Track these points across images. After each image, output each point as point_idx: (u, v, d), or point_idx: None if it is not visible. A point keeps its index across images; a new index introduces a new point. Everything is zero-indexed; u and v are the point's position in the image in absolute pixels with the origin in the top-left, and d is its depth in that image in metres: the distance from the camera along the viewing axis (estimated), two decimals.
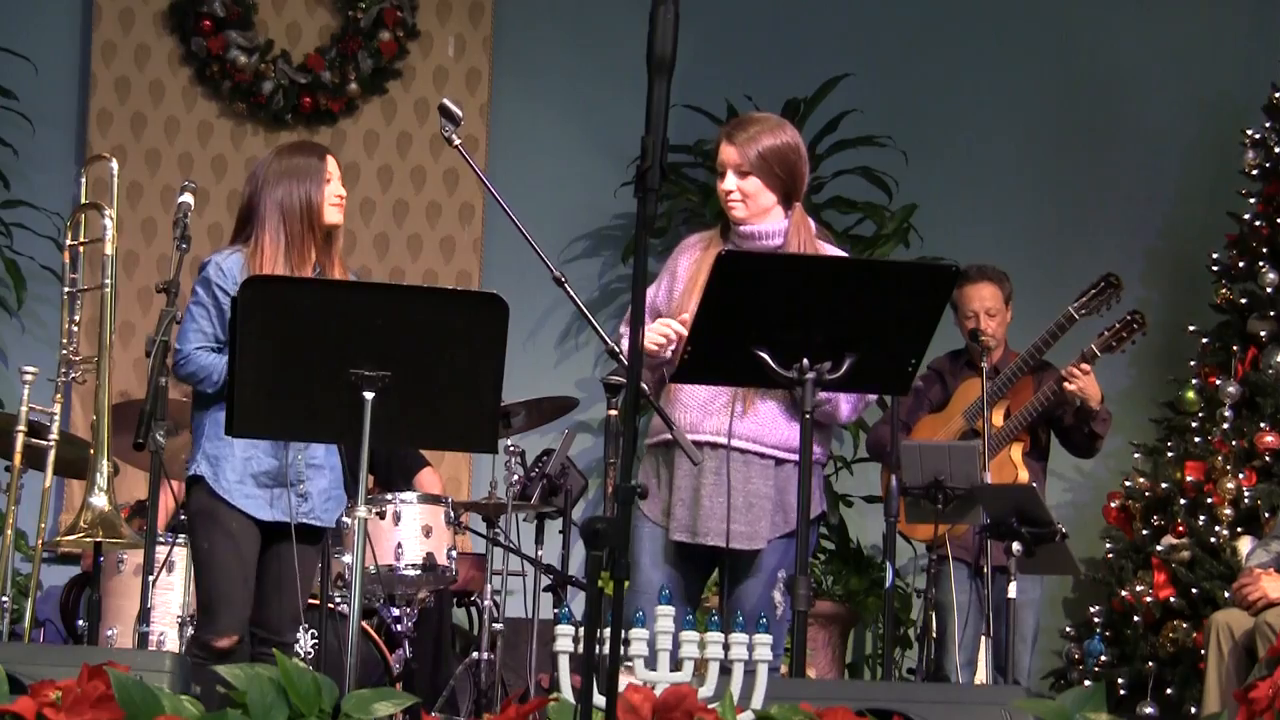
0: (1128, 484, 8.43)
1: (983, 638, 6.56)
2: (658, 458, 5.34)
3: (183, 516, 5.84)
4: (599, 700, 3.37)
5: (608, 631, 3.30)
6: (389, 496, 6.87)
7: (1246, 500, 7.92)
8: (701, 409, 5.25)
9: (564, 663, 4.13)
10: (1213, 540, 7.94)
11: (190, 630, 6.13)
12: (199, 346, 5.36)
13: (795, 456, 5.18)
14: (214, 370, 5.34)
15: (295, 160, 5.49)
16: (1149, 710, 7.94)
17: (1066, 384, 6.91)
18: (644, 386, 5.03)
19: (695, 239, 5.51)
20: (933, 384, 7.33)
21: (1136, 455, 8.54)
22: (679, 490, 5.25)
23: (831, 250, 5.42)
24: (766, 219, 5.32)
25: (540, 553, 7.27)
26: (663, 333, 5.19)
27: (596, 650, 3.39)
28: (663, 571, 5.25)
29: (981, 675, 6.58)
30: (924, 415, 7.26)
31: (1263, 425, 8.04)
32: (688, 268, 5.40)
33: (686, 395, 5.26)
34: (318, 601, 6.02)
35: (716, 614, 4.26)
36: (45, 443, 5.88)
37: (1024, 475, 6.98)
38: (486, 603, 7.17)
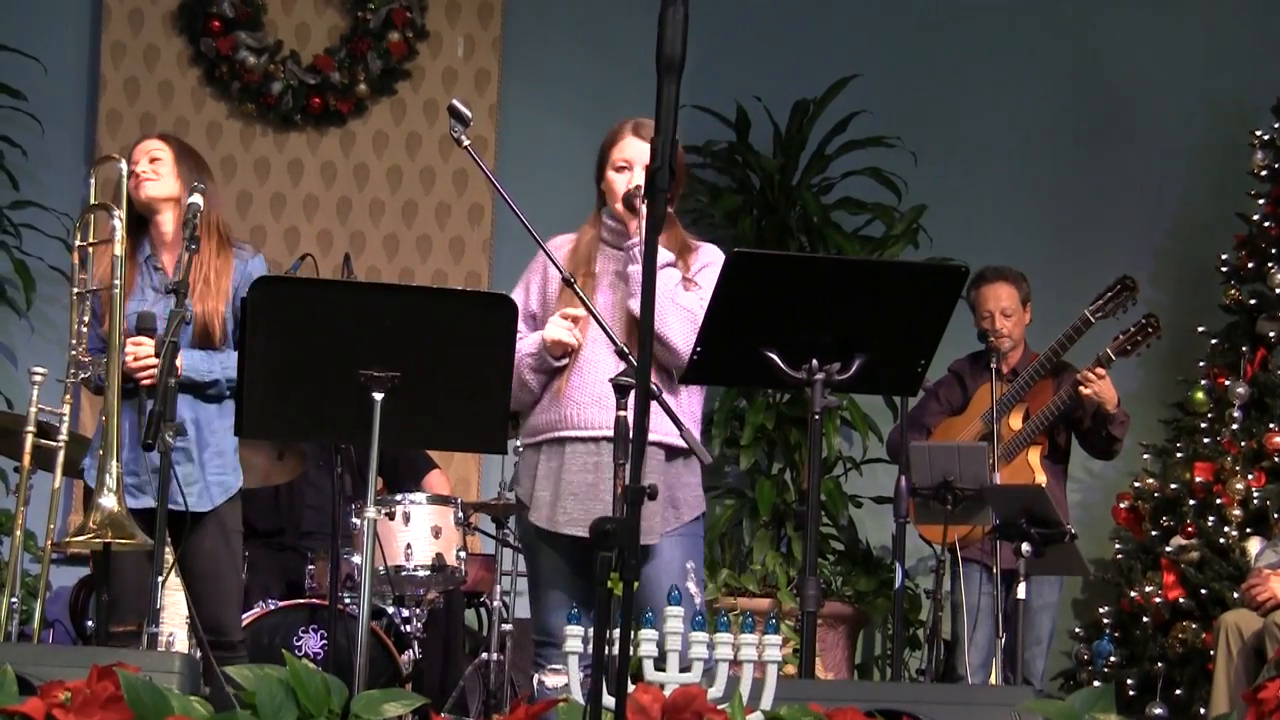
0: (1137, 485, 8.42)
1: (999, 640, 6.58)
2: (539, 454, 5.30)
3: None
4: (608, 701, 3.37)
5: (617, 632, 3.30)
6: (398, 497, 6.87)
7: (1256, 501, 7.91)
8: (595, 403, 5.21)
9: (573, 663, 4.13)
10: (1222, 541, 7.93)
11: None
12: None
13: (683, 443, 5.14)
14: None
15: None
16: (1158, 711, 7.93)
17: (1082, 388, 6.91)
18: (654, 386, 5.02)
19: (563, 238, 5.44)
20: (952, 387, 7.32)
21: (1146, 456, 8.53)
22: (569, 485, 5.22)
23: (707, 248, 5.41)
24: None
25: None
26: (565, 327, 5.19)
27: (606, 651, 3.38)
28: (566, 582, 5.24)
29: (996, 677, 6.59)
30: (943, 418, 7.26)
31: (1272, 426, 8.04)
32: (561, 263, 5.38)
33: (575, 390, 5.23)
34: (327, 602, 6.02)
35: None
36: (54, 444, 5.87)
37: (1042, 479, 6.98)
38: (496, 603, 7.17)
